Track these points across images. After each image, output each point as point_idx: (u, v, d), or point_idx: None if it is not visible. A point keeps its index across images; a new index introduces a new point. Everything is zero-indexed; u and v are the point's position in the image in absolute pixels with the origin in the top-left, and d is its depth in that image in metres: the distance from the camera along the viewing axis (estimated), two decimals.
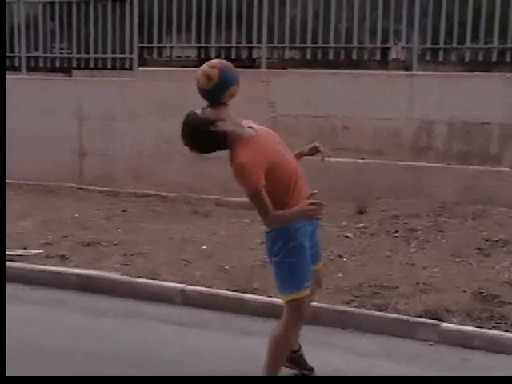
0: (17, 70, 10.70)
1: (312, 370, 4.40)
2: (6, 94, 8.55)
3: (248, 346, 4.85)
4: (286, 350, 3.99)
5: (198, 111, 3.73)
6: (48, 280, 6.13)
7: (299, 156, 4.25)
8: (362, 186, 8.16)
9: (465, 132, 8.17)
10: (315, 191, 3.76)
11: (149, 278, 5.95)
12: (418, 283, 5.74)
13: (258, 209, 3.67)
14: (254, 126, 3.89)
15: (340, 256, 6.53)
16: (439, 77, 8.40)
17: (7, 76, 10.42)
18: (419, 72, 8.49)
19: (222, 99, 3.74)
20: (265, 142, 3.76)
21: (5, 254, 6.36)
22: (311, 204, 3.64)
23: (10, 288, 6.01)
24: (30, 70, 10.67)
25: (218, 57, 9.49)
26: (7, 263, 6.38)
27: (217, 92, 3.72)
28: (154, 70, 9.47)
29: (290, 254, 3.76)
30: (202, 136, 3.70)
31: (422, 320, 5.07)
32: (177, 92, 8.96)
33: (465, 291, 5.57)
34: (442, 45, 8.51)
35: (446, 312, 5.17)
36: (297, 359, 4.36)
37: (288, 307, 3.84)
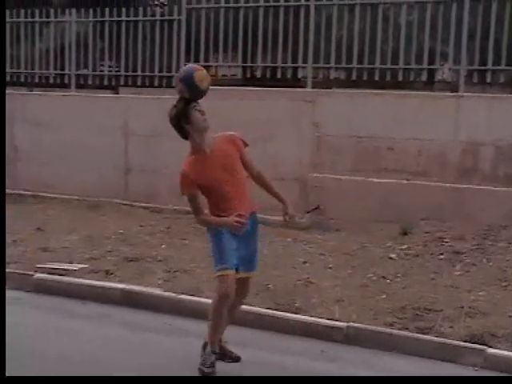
0: (66, 87, 10.93)
1: (238, 358, 4.78)
2: (5, 102, 8.59)
3: (288, 365, 4.83)
4: (218, 323, 4.52)
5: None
6: (92, 294, 6.19)
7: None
8: (406, 207, 8.10)
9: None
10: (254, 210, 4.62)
11: (191, 295, 5.97)
12: (462, 307, 5.65)
13: (191, 208, 4.46)
14: (217, 141, 4.53)
15: (383, 277, 6.48)
16: (486, 98, 8.32)
17: (57, 93, 10.67)
18: (466, 93, 8.42)
19: None
20: (204, 165, 4.39)
21: (5, 255, 6.38)
22: (237, 220, 4.33)
23: (54, 301, 6.15)
24: (78, 87, 10.88)
25: (263, 76, 9.58)
26: (53, 277, 6.49)
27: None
28: None
29: (215, 236, 4.44)
30: (176, 126, 4.45)
31: (467, 344, 4.98)
32: (223, 110, 9.03)
33: (511, 316, 5.47)
34: (489, 66, 8.44)
35: (491, 337, 5.07)
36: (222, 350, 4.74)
37: (217, 284, 4.46)
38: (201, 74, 4.40)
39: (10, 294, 6.31)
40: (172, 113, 4.41)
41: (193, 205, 4.43)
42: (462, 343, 5.00)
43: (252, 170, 4.65)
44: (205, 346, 4.58)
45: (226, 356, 4.78)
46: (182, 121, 4.35)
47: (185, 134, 4.41)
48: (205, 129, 4.43)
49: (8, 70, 11.29)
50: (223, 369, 4.64)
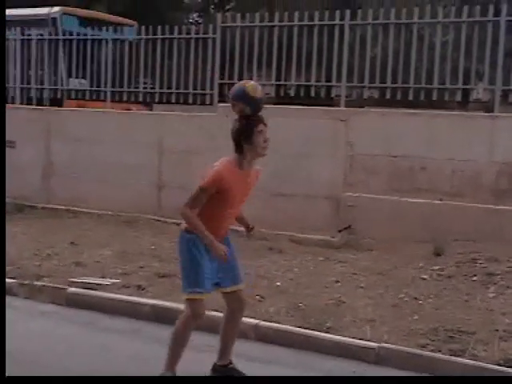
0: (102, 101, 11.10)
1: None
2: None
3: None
4: (180, 344, 4.44)
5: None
6: (124, 309, 6.22)
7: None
8: (440, 227, 8.03)
9: None
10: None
11: (221, 312, 5.96)
12: (497, 330, 5.57)
13: (192, 198, 4.32)
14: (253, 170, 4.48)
15: (415, 298, 6.41)
16: None
17: (97, 110, 10.82)
18: (501, 113, 8.35)
19: None
20: (236, 180, 4.33)
21: (5, 259, 6.41)
22: (226, 253, 4.31)
23: (86, 315, 6.19)
24: (114, 102, 11.02)
25: (297, 94, 9.60)
26: (85, 291, 6.54)
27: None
28: None
29: (195, 256, 4.36)
30: (235, 140, 4.42)
31: (502, 368, 4.90)
32: None
33: None
34: None
35: None
36: (229, 371, 4.70)
37: (187, 305, 4.43)
38: (251, 85, 4.37)
39: (43, 307, 6.41)
40: (234, 127, 4.38)
41: (198, 199, 4.31)
42: (497, 367, 4.92)
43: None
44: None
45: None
46: (242, 139, 4.31)
47: (240, 150, 4.35)
48: (260, 156, 4.39)
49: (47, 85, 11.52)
50: None
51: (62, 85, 11.86)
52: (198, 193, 4.31)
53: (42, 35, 11.66)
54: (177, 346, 4.46)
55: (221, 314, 4.87)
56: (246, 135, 4.30)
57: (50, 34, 11.80)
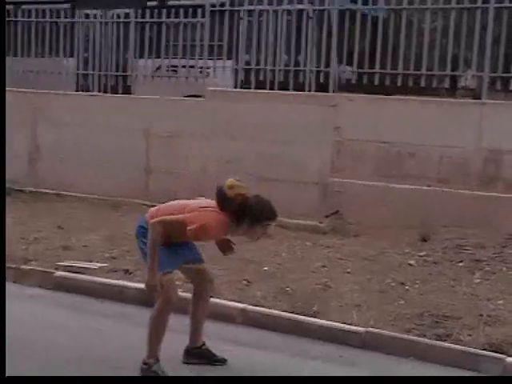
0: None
1: (224, 360, 4.80)
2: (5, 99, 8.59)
3: (306, 368, 4.84)
4: (159, 329, 4.50)
5: None
6: (112, 293, 6.23)
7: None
8: (427, 213, 8.07)
9: None
10: None
11: (210, 296, 5.97)
12: (481, 315, 5.62)
13: (171, 223, 4.39)
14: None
15: (402, 283, 6.46)
16: (509, 105, 8.28)
17: (83, 94, 10.77)
18: (489, 100, 8.38)
19: None
20: (219, 234, 4.58)
21: (5, 253, 6.40)
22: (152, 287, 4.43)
23: (74, 299, 6.20)
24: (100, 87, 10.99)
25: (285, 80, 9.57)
26: (73, 275, 6.54)
27: None
28: (222, 91, 9.61)
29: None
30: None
31: (486, 353, 4.95)
32: (243, 113, 9.07)
33: None
34: None
35: (511, 346, 5.04)
36: (203, 354, 4.80)
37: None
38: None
39: (30, 291, 6.40)
40: (252, 203, 4.42)
41: (174, 226, 4.39)
42: (481, 351, 4.98)
43: None
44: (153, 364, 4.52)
45: (211, 359, 4.81)
46: (250, 217, 4.38)
47: (238, 221, 4.40)
48: (248, 239, 4.68)
49: None
50: (240, 372, 4.64)
51: None
52: (178, 224, 4.37)
53: None
54: (156, 332, 4.52)
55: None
56: (257, 218, 4.40)
57: None
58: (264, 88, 9.47)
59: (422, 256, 7.29)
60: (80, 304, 6.09)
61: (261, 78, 9.74)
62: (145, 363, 4.51)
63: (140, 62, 10.89)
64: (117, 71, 10.95)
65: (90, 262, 6.95)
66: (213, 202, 4.46)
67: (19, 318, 5.34)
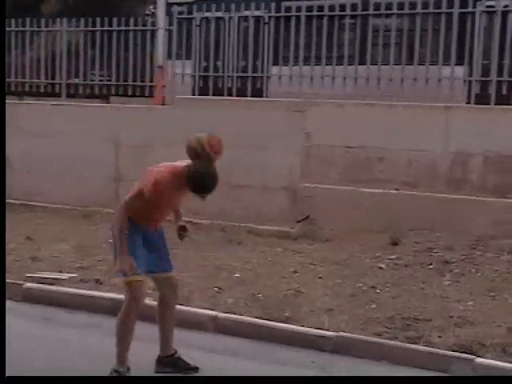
0: (57, 96, 10.94)
1: (196, 368, 4.75)
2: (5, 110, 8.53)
3: (278, 374, 4.83)
4: (126, 335, 4.47)
5: None
6: (82, 304, 6.18)
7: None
8: (396, 217, 8.12)
9: (500, 165, 8.11)
10: None
11: (181, 305, 5.94)
12: (451, 316, 5.67)
13: (130, 200, 4.43)
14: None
15: (373, 287, 6.49)
16: (476, 109, 8.38)
17: (48, 102, 10.68)
18: (456, 104, 8.47)
19: None
20: (178, 189, 4.49)
21: (5, 260, 6.40)
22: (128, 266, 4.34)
23: (44, 310, 6.13)
24: (69, 96, 10.89)
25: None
26: (42, 286, 6.47)
27: None
28: (191, 99, 9.60)
29: (130, 244, 4.42)
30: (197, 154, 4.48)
31: (456, 354, 4.99)
32: (212, 120, 9.06)
33: (500, 326, 5.50)
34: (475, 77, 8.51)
35: (480, 346, 5.10)
36: (175, 362, 4.74)
37: (126, 291, 4.51)
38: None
39: None
40: (206, 166, 4.39)
41: (134, 203, 4.41)
42: (451, 352, 5.02)
43: None
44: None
45: (184, 367, 4.77)
46: (191, 182, 4.35)
47: (197, 157, 4.39)
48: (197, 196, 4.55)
49: None
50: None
51: None
52: (134, 195, 4.42)
53: None
54: (123, 337, 4.50)
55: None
56: (194, 187, 4.37)
57: None
58: (222, 95, 9.49)
59: (392, 259, 7.34)
60: (49, 315, 6.02)
61: (219, 84, 9.75)
62: (115, 371, 4.47)
63: None
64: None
65: (60, 272, 6.89)
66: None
67: None
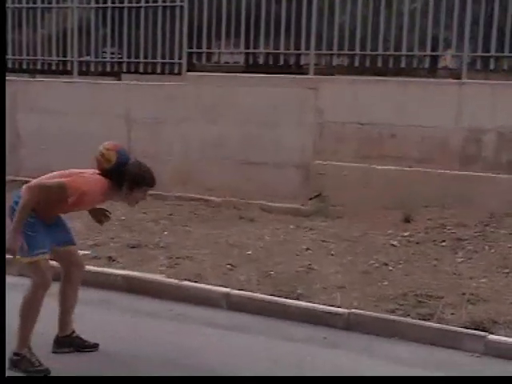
0: (68, 73, 10.91)
1: (96, 345, 4.73)
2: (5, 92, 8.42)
3: (290, 351, 4.86)
4: (32, 317, 4.38)
5: None
6: (95, 280, 6.20)
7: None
8: (409, 194, 8.08)
9: None
10: None
11: (194, 282, 5.99)
12: (464, 293, 5.66)
13: (46, 188, 4.37)
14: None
15: (385, 264, 6.49)
16: (489, 85, 8.30)
17: (60, 79, 10.66)
18: (469, 80, 8.39)
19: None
20: (93, 202, 4.62)
21: (5, 250, 6.38)
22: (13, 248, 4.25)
23: (56, 286, 6.14)
24: (80, 73, 10.85)
25: (266, 63, 9.55)
26: (53, 262, 6.48)
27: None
28: (203, 75, 9.56)
29: (33, 224, 4.34)
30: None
31: (468, 331, 4.99)
32: (225, 97, 9.04)
33: None
34: (493, 53, 8.40)
35: (493, 323, 5.09)
36: (74, 342, 4.69)
37: (32, 272, 4.43)
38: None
39: (12, 279, 6.33)
40: (134, 168, 4.51)
41: (51, 189, 4.34)
42: (463, 329, 5.02)
43: None
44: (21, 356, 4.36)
45: (82, 346, 4.72)
46: (129, 181, 4.45)
47: (119, 185, 4.46)
48: (128, 205, 4.74)
49: (10, 56, 11.25)
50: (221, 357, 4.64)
51: None
52: (58, 189, 4.32)
53: None
54: (29, 320, 4.38)
55: None
56: (136, 182, 4.46)
57: None
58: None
59: (404, 236, 7.33)
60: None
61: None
62: (16, 354, 4.37)
63: None
64: None
65: None
66: (96, 171, 4.53)
67: None
